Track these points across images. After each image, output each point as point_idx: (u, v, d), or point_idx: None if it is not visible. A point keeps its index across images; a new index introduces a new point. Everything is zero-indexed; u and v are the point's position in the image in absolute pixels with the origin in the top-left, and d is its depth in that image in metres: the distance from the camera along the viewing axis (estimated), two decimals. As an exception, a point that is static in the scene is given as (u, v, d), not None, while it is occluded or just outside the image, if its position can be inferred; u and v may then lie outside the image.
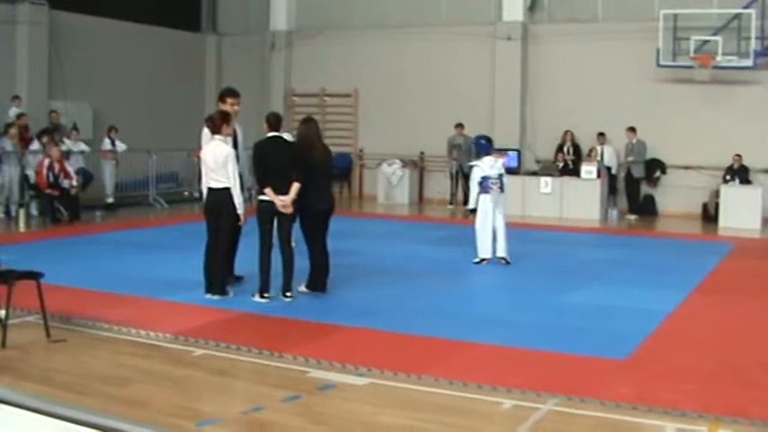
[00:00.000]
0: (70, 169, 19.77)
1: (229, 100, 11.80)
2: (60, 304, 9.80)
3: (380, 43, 26.99)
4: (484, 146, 14.65)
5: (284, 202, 10.79)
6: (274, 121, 11.15)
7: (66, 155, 21.07)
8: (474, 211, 14.50)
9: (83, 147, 22.55)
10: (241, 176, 11.43)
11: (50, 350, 8.60)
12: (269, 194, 10.79)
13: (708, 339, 9.55)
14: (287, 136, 11.72)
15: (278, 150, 10.95)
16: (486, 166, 14.33)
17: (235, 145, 11.48)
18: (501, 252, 14.34)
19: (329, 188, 11.89)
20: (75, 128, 22.79)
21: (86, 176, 22.04)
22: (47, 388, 7.31)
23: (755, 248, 17.95)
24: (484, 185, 14.28)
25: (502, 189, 14.45)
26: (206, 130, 11.16)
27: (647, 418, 6.84)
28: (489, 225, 14.25)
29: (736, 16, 21.98)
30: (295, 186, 10.80)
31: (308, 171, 10.98)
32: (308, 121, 11.68)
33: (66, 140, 22.09)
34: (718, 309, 11.36)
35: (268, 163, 10.83)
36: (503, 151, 18.37)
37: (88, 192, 21.89)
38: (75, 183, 19.52)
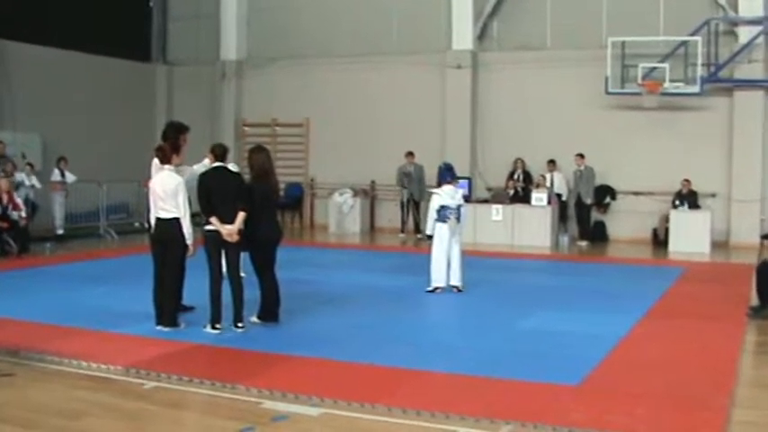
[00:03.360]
0: (19, 200, 19.55)
1: (182, 137, 11.62)
2: (8, 338, 9.71)
3: (331, 72, 27.04)
4: (447, 173, 14.61)
5: (229, 231, 10.73)
6: (220, 152, 11.10)
7: (17, 187, 20.85)
8: (431, 237, 14.49)
9: (35, 181, 22.31)
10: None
11: (-1, 385, 8.49)
12: (214, 224, 10.74)
13: (659, 363, 9.59)
14: (232, 166, 11.67)
15: (223, 180, 10.89)
16: (447, 196, 14.33)
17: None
18: (454, 281, 14.35)
19: (276, 217, 11.88)
20: (29, 163, 22.56)
21: (33, 208, 21.82)
22: (-5, 423, 7.22)
23: (705, 272, 18.09)
24: (442, 214, 14.28)
25: (458, 219, 14.47)
26: (156, 160, 11.08)
27: (600, 443, 6.85)
28: (445, 254, 14.26)
29: (683, 43, 22.28)
30: (241, 215, 10.76)
31: (262, 200, 10.95)
32: (261, 151, 11.60)
33: (21, 174, 21.84)
34: (668, 332, 11.42)
35: (214, 193, 10.77)
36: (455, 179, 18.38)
37: (38, 223, 21.67)
38: (23, 214, 19.31)
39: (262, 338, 10.61)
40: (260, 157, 11.40)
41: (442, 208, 14.29)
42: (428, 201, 15.22)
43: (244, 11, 28.80)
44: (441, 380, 8.76)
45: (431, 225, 14.49)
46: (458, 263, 14.40)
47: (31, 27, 24.54)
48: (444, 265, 14.29)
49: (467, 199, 22.07)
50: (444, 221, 14.29)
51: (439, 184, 14.69)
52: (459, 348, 10.39)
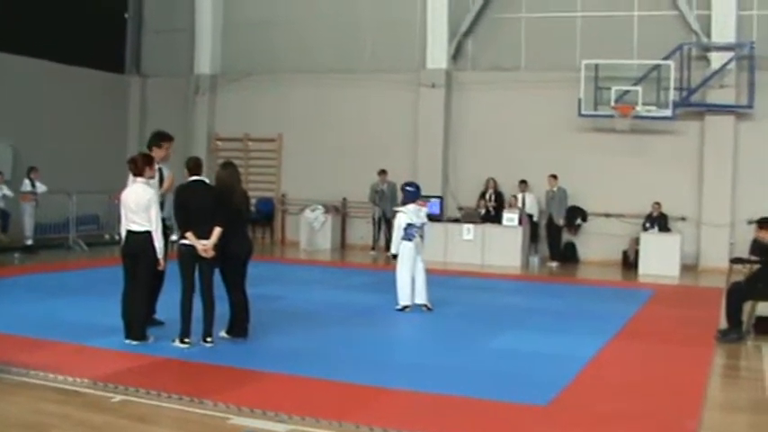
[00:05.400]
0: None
1: (165, 144, 11.79)
2: (-25, 349, 9.63)
3: (305, 88, 27.06)
4: (412, 193, 14.62)
5: (205, 246, 10.70)
6: (193, 166, 11.05)
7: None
8: (396, 256, 14.50)
9: (6, 191, 22.19)
10: (164, 220, 11.38)
11: (-36, 396, 8.42)
12: (190, 239, 10.70)
13: (627, 384, 9.63)
14: (209, 181, 11.65)
15: (200, 195, 10.85)
16: (412, 214, 14.35)
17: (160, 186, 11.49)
18: (420, 299, 14.36)
19: (246, 233, 11.85)
20: (-1, 172, 22.50)
21: (4, 216, 21.70)
22: (-40, 435, 7.16)
23: (674, 294, 18.21)
24: (407, 233, 14.30)
25: (422, 237, 14.51)
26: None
27: (568, 464, 6.87)
28: (409, 272, 14.27)
29: (656, 67, 22.44)
30: (217, 231, 10.73)
31: (229, 216, 10.92)
32: (228, 166, 11.59)
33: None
34: (637, 355, 11.48)
35: (189, 207, 10.73)
36: (425, 198, 18.41)
37: (6, 234, 21.53)
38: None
39: (230, 354, 10.57)
40: (225, 174, 11.40)
41: (409, 226, 14.31)
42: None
43: (219, 25, 28.78)
44: (409, 398, 8.76)
45: (396, 244, 14.50)
46: (422, 281, 14.41)
47: (3, 35, 24.38)
48: (409, 283, 14.29)
49: (438, 218, 22.25)
50: (410, 240, 14.31)
51: (404, 203, 14.70)
52: (428, 367, 10.39)
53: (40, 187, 22.77)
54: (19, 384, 8.90)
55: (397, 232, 14.47)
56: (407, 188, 14.83)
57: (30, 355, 9.95)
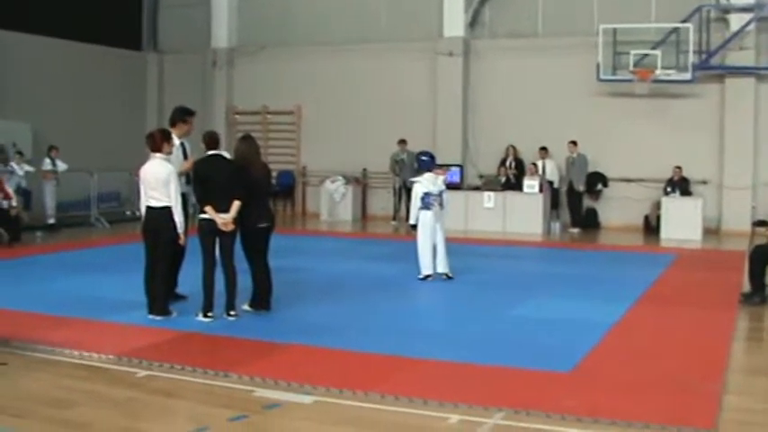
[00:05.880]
0: (9, 189, 19.48)
1: (190, 119, 11.81)
2: (0, 327, 9.66)
3: (322, 60, 27.01)
4: (426, 162, 14.62)
5: (225, 219, 10.71)
6: (210, 140, 11.05)
7: (9, 176, 20.79)
8: (415, 227, 14.50)
9: (27, 169, 22.25)
10: (185, 195, 11.40)
11: (-10, 374, 8.48)
12: (209, 213, 10.71)
13: (651, 350, 9.61)
14: (227, 154, 11.64)
15: (218, 168, 10.85)
16: (428, 183, 14.33)
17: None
18: (442, 268, 14.35)
19: (268, 206, 11.81)
20: (19, 152, 22.52)
21: (25, 195, 21.79)
22: (-13, 413, 7.20)
23: (696, 259, 18.14)
24: (425, 202, 14.28)
25: (442, 206, 14.49)
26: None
27: (593, 429, 6.86)
28: (430, 241, 14.27)
29: (675, 30, 22.28)
30: (236, 204, 10.73)
31: (247, 189, 10.92)
32: (247, 139, 11.59)
33: (12, 164, 21.79)
34: (660, 319, 11.44)
35: (208, 181, 10.74)
36: (444, 167, 18.39)
37: (29, 212, 21.60)
38: (14, 203, 19.25)
39: (254, 326, 10.60)
40: (242, 147, 11.39)
41: (426, 195, 14.29)
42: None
43: (235, -1, 28.77)
44: (433, 367, 8.76)
45: (415, 214, 14.48)
46: (443, 250, 14.41)
47: (20, 15, 24.44)
48: (430, 252, 14.28)
49: (459, 187, 22.22)
50: (428, 209, 14.29)
51: (419, 173, 14.68)
52: (451, 336, 10.40)
53: (61, 165, 22.82)
54: (43, 361, 8.95)
55: (415, 202, 14.46)
56: (421, 158, 14.83)
57: (54, 333, 10.01)
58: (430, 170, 14.55)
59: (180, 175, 11.19)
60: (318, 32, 27.30)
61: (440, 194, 14.44)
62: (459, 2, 25.29)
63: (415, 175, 15.14)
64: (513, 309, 11.98)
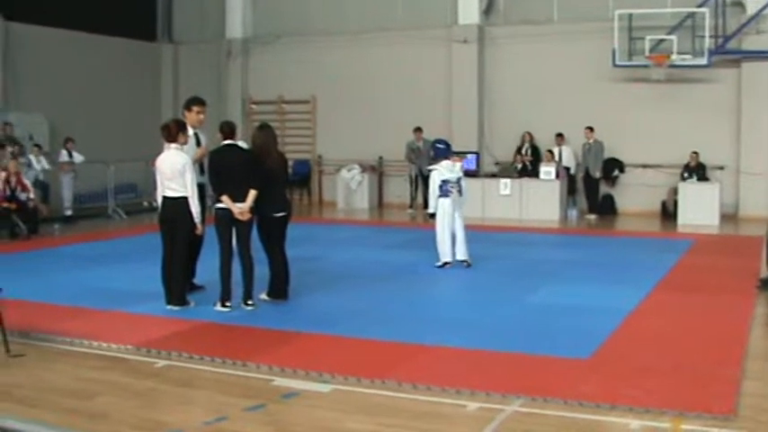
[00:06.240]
0: (27, 182, 19.55)
1: (195, 108, 11.79)
2: (19, 319, 9.71)
3: (337, 49, 26.99)
4: (442, 150, 14.64)
5: (241, 209, 10.74)
6: (228, 130, 11.08)
7: (26, 169, 20.87)
8: (434, 215, 14.50)
9: (45, 164, 22.32)
10: (202, 185, 11.42)
11: (10, 365, 8.51)
12: (225, 202, 10.74)
13: (669, 336, 9.59)
14: (242, 144, 11.66)
15: (233, 158, 10.87)
16: (445, 170, 14.33)
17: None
18: (461, 255, 14.36)
19: (285, 195, 11.83)
20: (37, 145, 22.59)
21: (43, 188, 21.86)
22: (7, 404, 7.23)
23: (714, 244, 18.08)
24: (443, 189, 14.28)
25: (461, 192, 14.49)
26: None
27: (611, 415, 6.86)
28: (449, 228, 14.27)
29: (691, 15, 22.19)
30: (252, 194, 10.75)
31: (264, 178, 10.93)
32: (265, 128, 11.58)
33: (30, 157, 21.88)
34: (678, 305, 11.43)
35: (224, 171, 10.76)
36: (460, 154, 18.36)
37: (46, 205, 21.68)
38: (32, 195, 19.33)
39: (271, 316, 10.63)
40: (260, 136, 11.38)
41: (444, 182, 14.29)
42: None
43: (249, -12, 28.77)
44: (451, 355, 8.78)
45: (433, 203, 14.49)
46: (462, 237, 14.41)
47: (35, 8, 24.48)
48: (449, 239, 14.29)
49: (475, 174, 22.20)
50: (447, 196, 14.29)
51: (436, 160, 14.68)
52: (469, 323, 10.40)
53: (78, 157, 22.88)
54: (62, 352, 9.00)
55: (433, 190, 14.45)
56: (437, 145, 14.85)
57: (72, 324, 10.06)
58: (446, 157, 14.55)
59: (193, 162, 11.20)
60: (333, 21, 27.28)
61: (458, 181, 14.43)
62: (473, -11, 25.26)
63: (431, 163, 15.13)
64: (531, 295, 11.98)
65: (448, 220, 14.26)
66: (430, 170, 14.91)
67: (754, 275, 13.00)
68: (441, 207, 14.32)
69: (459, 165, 14.83)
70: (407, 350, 8.93)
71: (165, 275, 11.01)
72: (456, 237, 14.35)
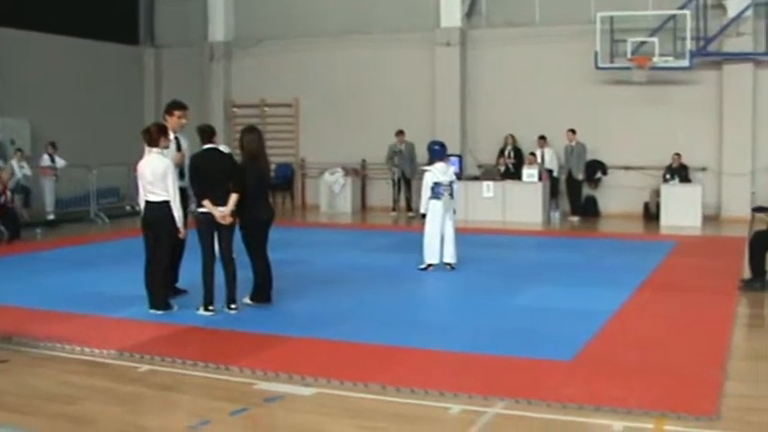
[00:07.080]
0: (5, 179, 19.46)
1: (177, 113, 11.73)
2: (1, 324, 9.71)
3: (319, 52, 26.98)
4: (437, 151, 14.60)
5: (222, 213, 10.73)
6: (205, 134, 11.05)
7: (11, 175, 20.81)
8: (425, 216, 14.49)
9: (25, 168, 22.26)
10: (183, 189, 11.38)
11: (-8, 371, 8.49)
12: (207, 206, 10.73)
13: (651, 337, 9.61)
14: (223, 148, 11.65)
15: (214, 162, 10.86)
16: (439, 173, 14.32)
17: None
18: (448, 258, 14.37)
19: (268, 198, 11.84)
20: (18, 149, 22.51)
21: (25, 192, 21.80)
22: (-11, 409, 7.22)
23: (697, 245, 18.14)
24: (435, 191, 14.27)
25: (452, 195, 14.48)
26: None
27: (594, 417, 6.88)
28: (438, 231, 14.27)
29: (672, 17, 22.26)
30: (233, 197, 10.75)
31: (252, 182, 10.93)
32: (253, 131, 11.54)
33: (12, 163, 21.80)
34: (661, 307, 11.45)
35: (205, 175, 10.74)
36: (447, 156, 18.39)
37: (28, 209, 21.62)
38: (8, 196, 19.23)
39: (254, 320, 10.62)
40: (250, 139, 11.36)
41: (436, 185, 14.28)
42: (419, 179, 15.18)
43: (231, -9, 28.73)
44: (434, 357, 8.78)
45: (425, 203, 14.48)
46: (451, 240, 14.41)
47: (17, 12, 24.40)
48: (437, 242, 14.29)
49: (458, 177, 22.17)
50: (438, 198, 14.29)
51: (430, 162, 14.68)
52: (452, 326, 10.41)
53: (60, 162, 22.85)
54: (45, 357, 8.97)
55: (425, 191, 14.45)
56: (433, 147, 14.83)
57: (55, 328, 10.02)
58: (442, 159, 14.55)
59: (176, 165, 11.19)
60: (315, 24, 27.22)
61: (450, 184, 14.43)
62: (455, -8, 25.29)
63: (413, 166, 15.12)
64: (514, 298, 11.99)
65: (438, 221, 14.26)
66: (424, 170, 14.89)
67: (737, 276, 13.05)
68: (431, 209, 14.31)
69: (452, 169, 14.85)
70: (391, 353, 8.92)
71: (148, 279, 10.98)
72: (444, 239, 14.34)
